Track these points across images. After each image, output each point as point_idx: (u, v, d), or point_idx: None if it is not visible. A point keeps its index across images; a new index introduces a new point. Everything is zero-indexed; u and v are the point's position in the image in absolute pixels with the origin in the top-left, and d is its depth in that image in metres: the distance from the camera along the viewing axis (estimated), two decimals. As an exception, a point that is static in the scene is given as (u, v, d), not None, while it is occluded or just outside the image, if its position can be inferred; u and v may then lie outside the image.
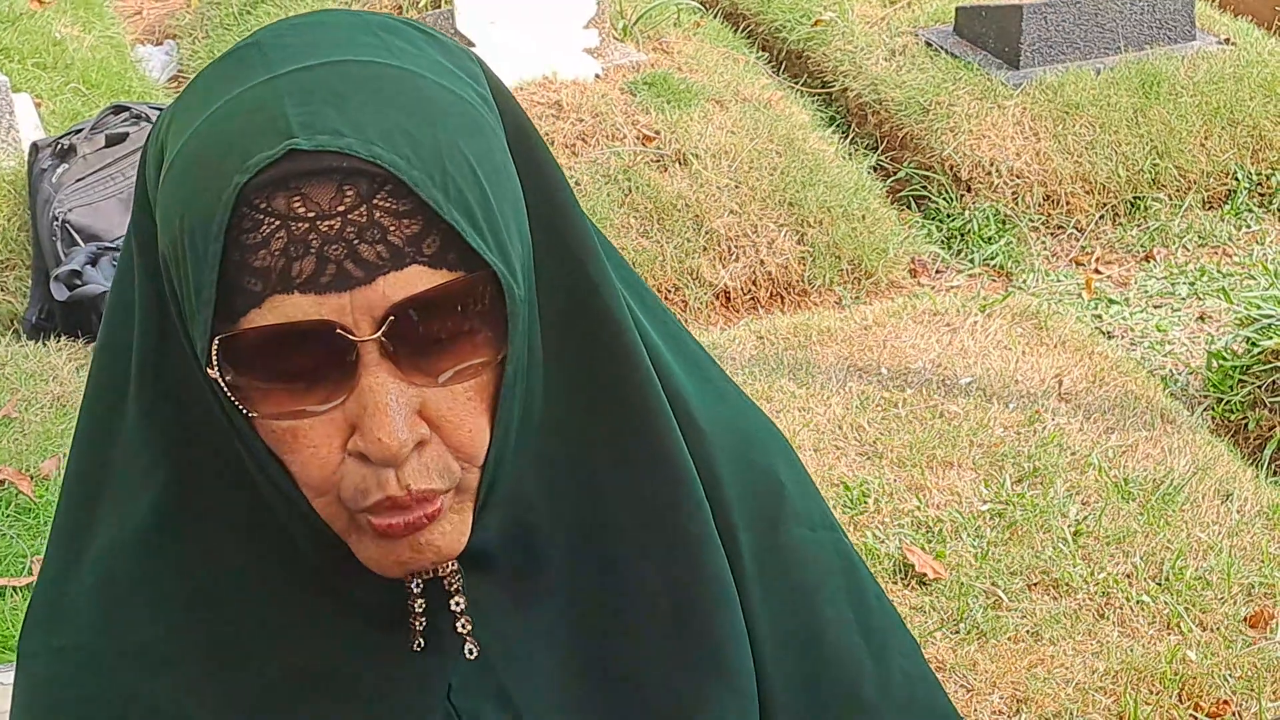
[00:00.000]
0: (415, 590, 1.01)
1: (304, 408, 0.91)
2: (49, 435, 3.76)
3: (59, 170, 4.78)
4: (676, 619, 1.06)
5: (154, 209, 0.96)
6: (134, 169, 4.79)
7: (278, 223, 0.87)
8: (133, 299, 0.99)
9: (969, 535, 3.57)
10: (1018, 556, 3.49)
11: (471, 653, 1.03)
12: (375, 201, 0.88)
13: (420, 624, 1.02)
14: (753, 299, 5.04)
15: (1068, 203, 5.40)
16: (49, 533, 1.07)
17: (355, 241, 0.88)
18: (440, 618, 1.02)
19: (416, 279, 0.89)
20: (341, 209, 0.88)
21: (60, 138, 4.94)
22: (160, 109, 5.10)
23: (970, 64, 5.74)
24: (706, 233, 5.04)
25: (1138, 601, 3.36)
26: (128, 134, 4.87)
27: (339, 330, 0.88)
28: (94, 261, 4.48)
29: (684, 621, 1.06)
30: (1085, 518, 3.60)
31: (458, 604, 1.02)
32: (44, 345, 4.32)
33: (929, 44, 5.95)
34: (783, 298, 5.08)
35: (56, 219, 4.64)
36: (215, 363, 0.90)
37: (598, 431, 1.04)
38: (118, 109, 5.04)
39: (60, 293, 4.40)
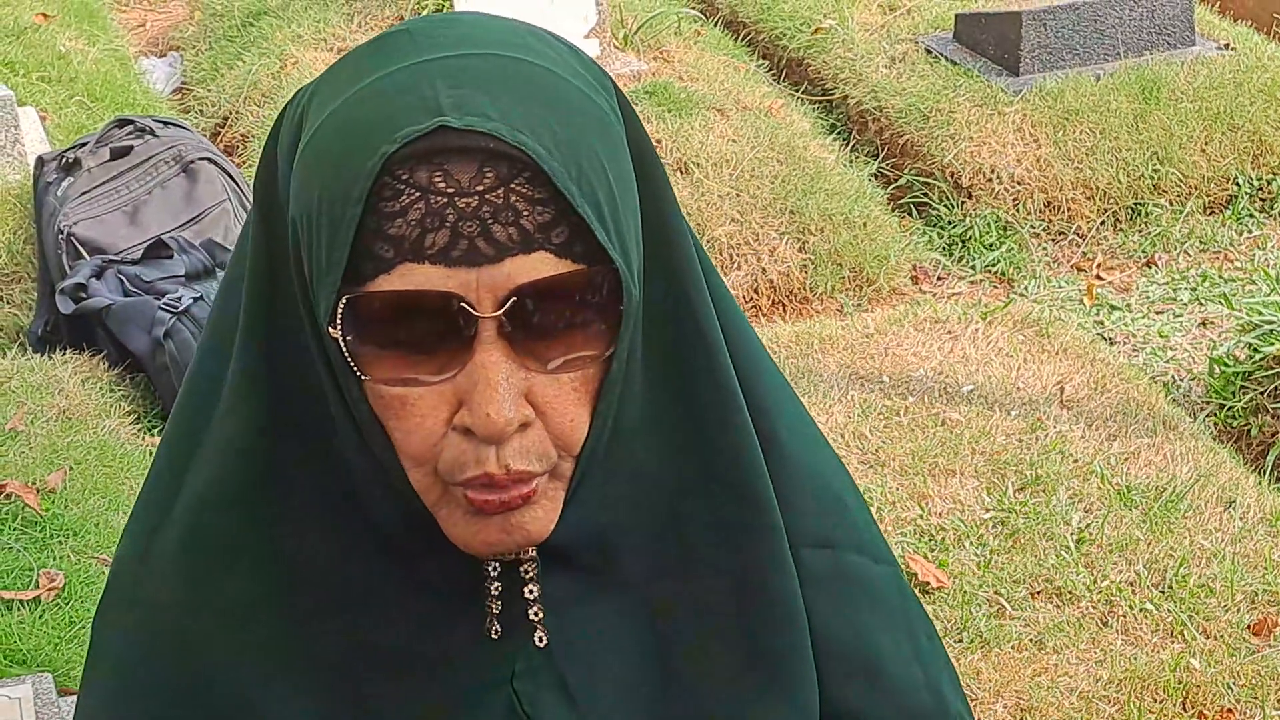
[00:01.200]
0: (492, 574, 1.04)
1: (417, 376, 0.94)
2: (55, 449, 3.78)
3: (64, 183, 4.80)
4: (741, 631, 1.09)
5: (279, 179, 0.99)
6: (139, 183, 4.80)
7: (417, 194, 0.91)
8: (242, 272, 1.03)
9: (972, 544, 3.58)
10: (1020, 565, 3.50)
11: (541, 640, 1.05)
12: (513, 185, 0.91)
13: (495, 607, 1.04)
14: (754, 307, 5.05)
15: (1069, 209, 5.41)
16: (140, 490, 1.10)
17: (489, 221, 0.91)
18: (513, 603, 1.05)
19: (542, 265, 0.92)
20: (480, 188, 0.91)
21: (65, 151, 4.96)
22: (165, 121, 5.11)
23: (970, 71, 5.75)
24: (708, 241, 5.06)
25: (1141, 609, 3.37)
26: (132, 147, 4.89)
27: (462, 304, 0.92)
28: (99, 274, 4.50)
29: (748, 634, 1.09)
30: (1088, 525, 3.61)
31: (531, 592, 1.04)
32: (49, 358, 4.33)
33: (929, 51, 5.97)
34: (784, 306, 5.09)
35: (62, 232, 4.65)
36: (338, 323, 0.94)
37: (684, 447, 1.06)
38: (122, 122, 5.05)
39: (65, 306, 4.41)
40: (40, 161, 4.96)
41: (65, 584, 3.25)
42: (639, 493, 1.06)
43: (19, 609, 3.19)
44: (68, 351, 4.40)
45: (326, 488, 1.03)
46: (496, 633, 1.04)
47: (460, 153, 0.91)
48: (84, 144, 4.97)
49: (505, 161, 0.91)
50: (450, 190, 0.90)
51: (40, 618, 3.16)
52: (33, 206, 4.92)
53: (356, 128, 0.93)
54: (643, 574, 1.08)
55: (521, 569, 1.04)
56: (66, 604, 3.20)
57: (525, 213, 0.91)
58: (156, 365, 4.24)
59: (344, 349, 0.94)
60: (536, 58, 0.97)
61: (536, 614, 1.05)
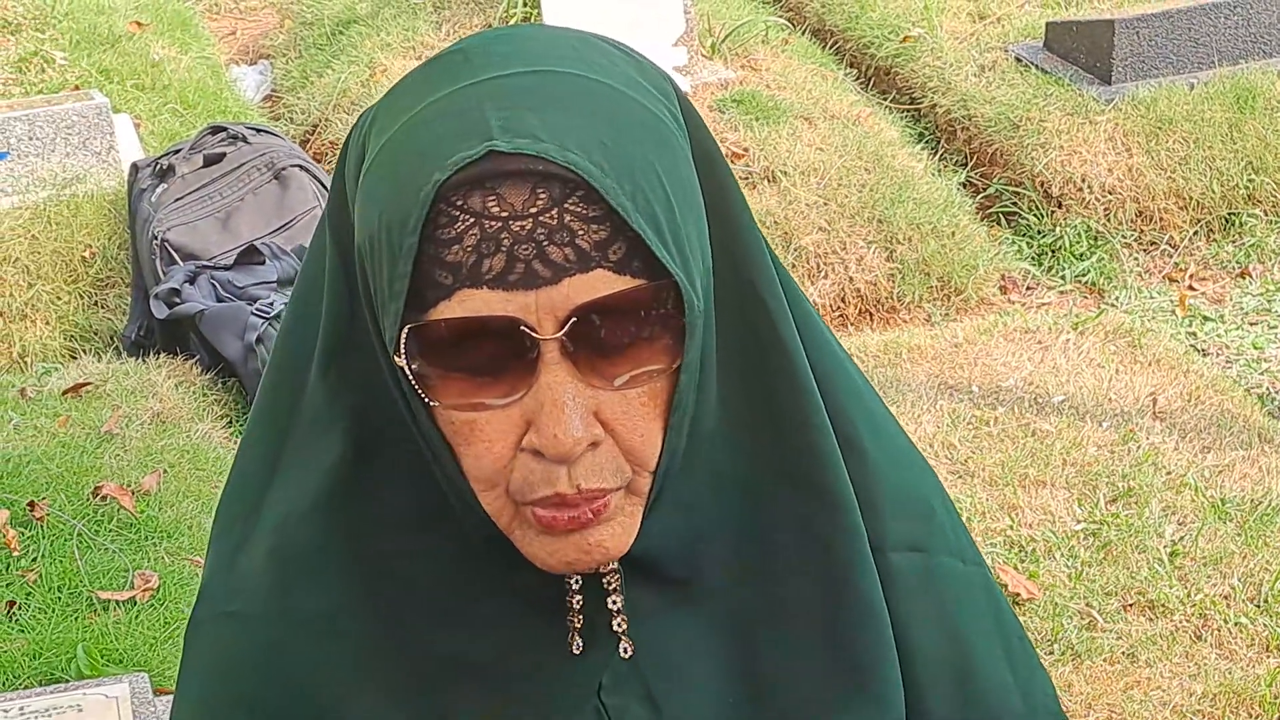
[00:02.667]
0: (574, 586, 1.04)
1: (483, 400, 0.95)
2: (149, 451, 3.82)
3: (158, 190, 4.86)
4: (827, 639, 1.08)
5: (352, 203, 1.00)
6: (231, 189, 4.86)
7: (472, 220, 0.91)
8: (322, 286, 1.03)
9: (1062, 555, 3.55)
10: (1112, 577, 3.46)
11: (626, 651, 1.05)
12: (566, 205, 0.91)
13: (578, 621, 1.04)
14: (841, 316, 5.03)
15: (1161, 219, 5.35)
16: (221, 498, 1.11)
17: (544, 243, 0.91)
18: (597, 615, 1.05)
19: (600, 283, 0.92)
20: (534, 210, 0.91)
21: (159, 158, 5.02)
22: (256, 129, 5.17)
23: (1061, 79, 5.71)
24: (795, 250, 5.05)
25: (1235, 623, 3.33)
26: (225, 154, 4.95)
27: (522, 327, 0.92)
28: (192, 280, 4.55)
29: (833, 640, 1.08)
30: (1181, 538, 3.57)
31: (614, 603, 1.04)
32: (144, 362, 4.39)
33: (1019, 59, 5.92)
34: (871, 315, 5.07)
35: (155, 238, 4.71)
36: (403, 351, 0.94)
37: (763, 450, 1.06)
38: (215, 129, 5.11)
39: (160, 310, 4.47)
40: (135, 168, 5.03)
41: (160, 585, 3.29)
42: (719, 498, 1.05)
43: (115, 609, 3.23)
44: (161, 356, 4.46)
45: (414, 502, 1.03)
46: (578, 648, 1.04)
47: (512, 176, 0.91)
48: (177, 151, 5.03)
49: (557, 182, 0.91)
50: (504, 214, 0.91)
51: (136, 618, 3.19)
52: (127, 213, 4.98)
53: (410, 155, 0.93)
54: (726, 581, 1.07)
55: (604, 580, 1.04)
56: (161, 605, 3.24)
57: (580, 232, 0.91)
58: (248, 370, 4.28)
59: (410, 376, 0.95)
60: (589, 70, 0.96)
61: (620, 625, 1.05)
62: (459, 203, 0.91)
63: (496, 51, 0.97)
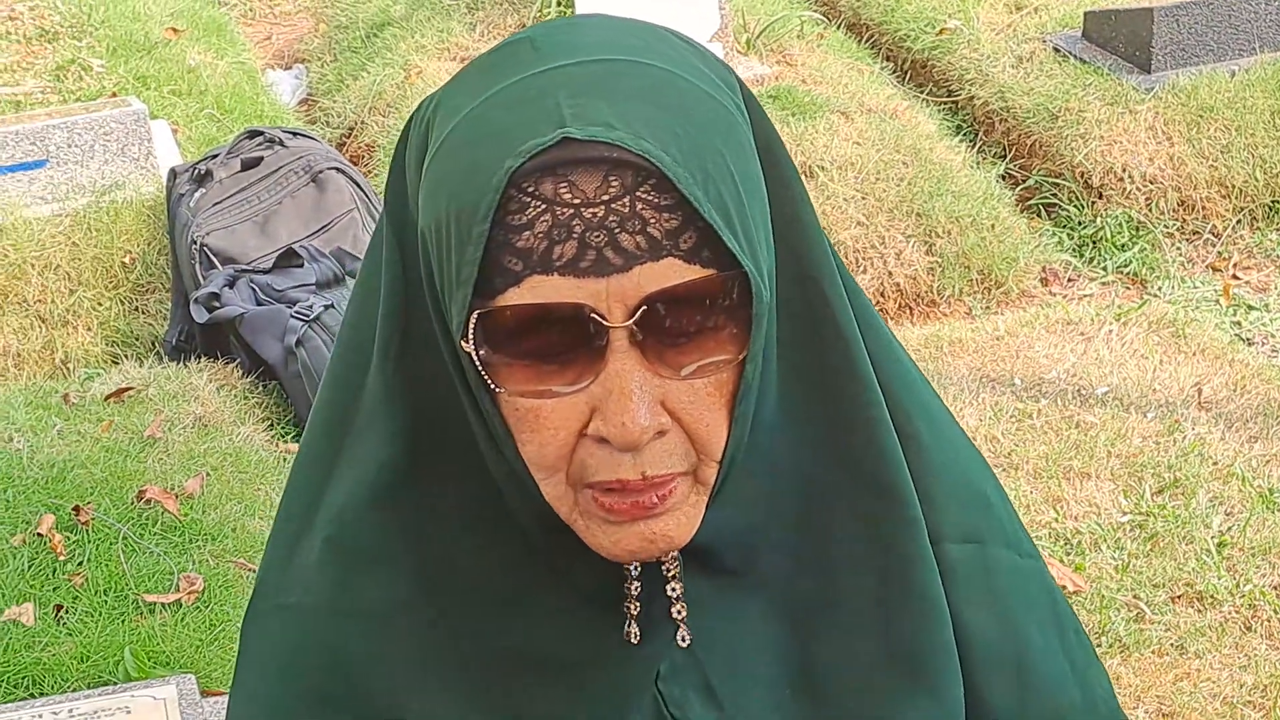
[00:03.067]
0: (633, 574, 1.03)
1: (550, 387, 0.94)
2: (192, 455, 3.84)
3: (196, 195, 4.88)
4: (884, 628, 1.08)
5: (409, 190, 1.00)
6: (269, 193, 4.87)
7: (544, 207, 0.91)
8: (381, 277, 1.03)
9: (1109, 547, 3.52)
10: (1160, 568, 3.44)
11: (684, 640, 1.05)
12: (638, 194, 0.91)
13: (635, 608, 1.04)
14: (881, 310, 5.01)
15: (1203, 208, 5.31)
16: (283, 492, 1.12)
17: (616, 230, 0.91)
18: (654, 604, 1.04)
19: (671, 272, 0.92)
20: (606, 198, 0.91)
21: (197, 163, 5.04)
22: (293, 132, 5.18)
23: (1100, 69, 5.67)
24: (834, 244, 5.03)
25: (1286, 613, 3.30)
26: (262, 157, 4.96)
27: (593, 314, 0.91)
28: (232, 284, 4.57)
29: (891, 631, 1.08)
30: (1229, 528, 3.54)
31: (674, 589, 1.04)
32: (185, 366, 4.41)
33: (1057, 50, 5.89)
34: (911, 309, 5.05)
35: (195, 242, 4.73)
36: (470, 337, 0.94)
37: (822, 442, 1.06)
38: (252, 133, 5.13)
39: (200, 315, 4.48)
40: (173, 174, 5.05)
41: (204, 587, 3.30)
42: (777, 490, 1.05)
43: (161, 612, 3.24)
44: (202, 360, 4.47)
45: (471, 494, 1.03)
46: (636, 637, 1.04)
47: (585, 163, 0.91)
48: (215, 155, 5.05)
49: (630, 169, 0.91)
50: (576, 201, 0.90)
51: (181, 620, 3.20)
52: (166, 218, 5.00)
53: (481, 141, 0.93)
54: (783, 572, 1.07)
55: (664, 568, 1.04)
56: (206, 607, 3.25)
57: (652, 220, 0.91)
58: (289, 373, 4.29)
59: (476, 362, 0.94)
60: (657, 60, 0.96)
61: (679, 613, 1.04)
62: (530, 189, 0.91)
63: (564, 40, 0.97)
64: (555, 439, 0.95)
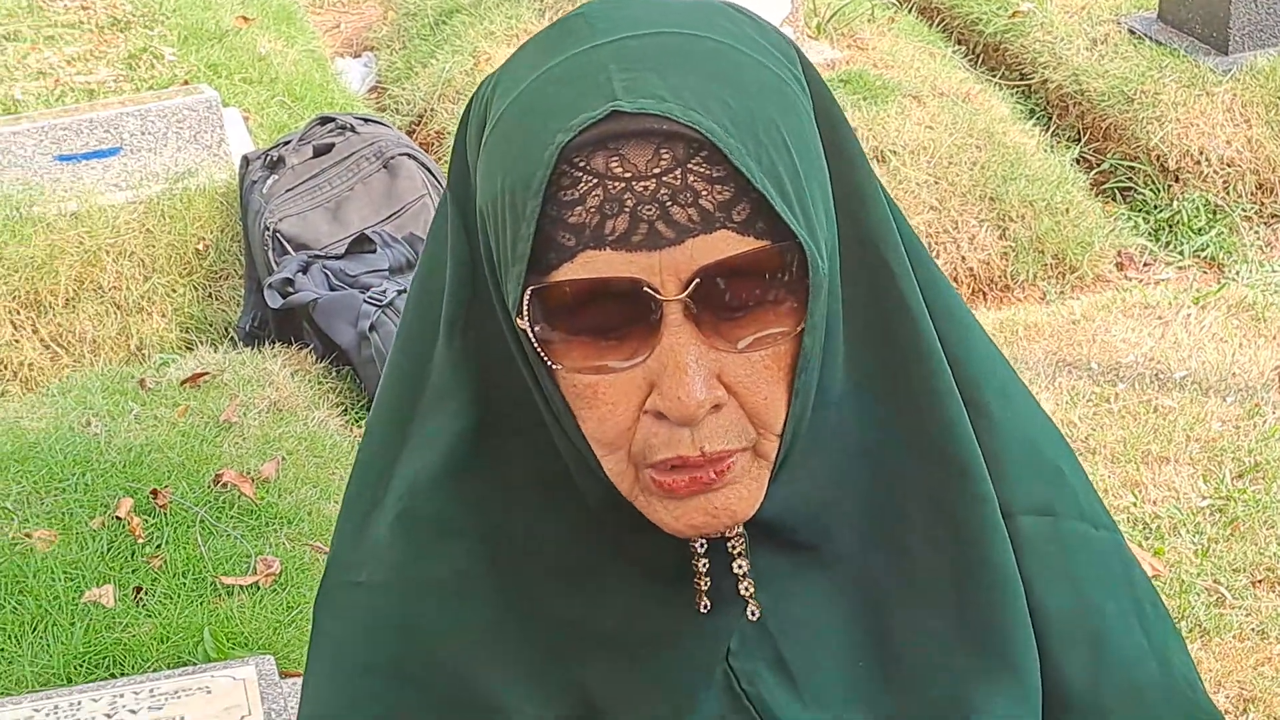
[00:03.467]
0: (699, 550, 1.03)
1: (606, 363, 0.94)
2: (267, 439, 3.86)
3: (269, 181, 4.90)
4: (958, 604, 1.06)
5: (469, 169, 1.00)
6: (340, 179, 4.89)
7: (595, 181, 0.90)
8: (446, 254, 1.03)
9: (1188, 532, 3.49)
10: (1240, 553, 3.40)
11: (754, 614, 1.04)
12: (690, 165, 0.90)
13: (704, 584, 1.03)
14: (954, 295, 4.97)
15: (1281, 191, 5.25)
16: (352, 469, 1.12)
17: (668, 203, 0.90)
18: (723, 579, 1.04)
19: (724, 244, 0.91)
20: (657, 171, 0.90)
21: (269, 150, 5.06)
22: (364, 119, 5.20)
23: (1176, 51, 5.61)
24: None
25: (1370, 598, 3.26)
26: (333, 144, 4.98)
27: (645, 288, 0.91)
28: (305, 269, 4.59)
29: (966, 607, 1.06)
30: (1312, 513, 3.50)
31: (740, 566, 1.03)
32: (259, 352, 4.44)
33: (1132, 32, 5.83)
34: (985, 294, 5.01)
35: (267, 229, 4.75)
36: (525, 314, 0.94)
37: (890, 416, 1.04)
38: (324, 120, 5.15)
39: (274, 300, 4.50)
40: (245, 161, 5.07)
41: (281, 570, 3.32)
42: (847, 464, 1.04)
43: (239, 594, 3.26)
44: (276, 345, 4.50)
45: (538, 469, 1.03)
46: (706, 607, 1.03)
47: (636, 136, 0.90)
48: (287, 142, 5.07)
49: (681, 142, 0.90)
50: (627, 174, 0.90)
51: (259, 602, 3.22)
52: (239, 205, 5.03)
53: (533, 117, 0.93)
54: (855, 547, 1.06)
55: (729, 544, 1.03)
56: (284, 589, 3.27)
57: (704, 192, 0.90)
58: (362, 358, 4.31)
59: (533, 339, 0.94)
60: (713, 32, 0.95)
61: (748, 589, 1.03)
62: (581, 164, 0.91)
63: (618, 15, 0.96)
64: (614, 414, 0.95)
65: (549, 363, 0.95)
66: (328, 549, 3.47)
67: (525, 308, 0.93)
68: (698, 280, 0.91)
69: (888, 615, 1.06)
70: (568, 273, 0.91)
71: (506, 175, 0.93)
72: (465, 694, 1.05)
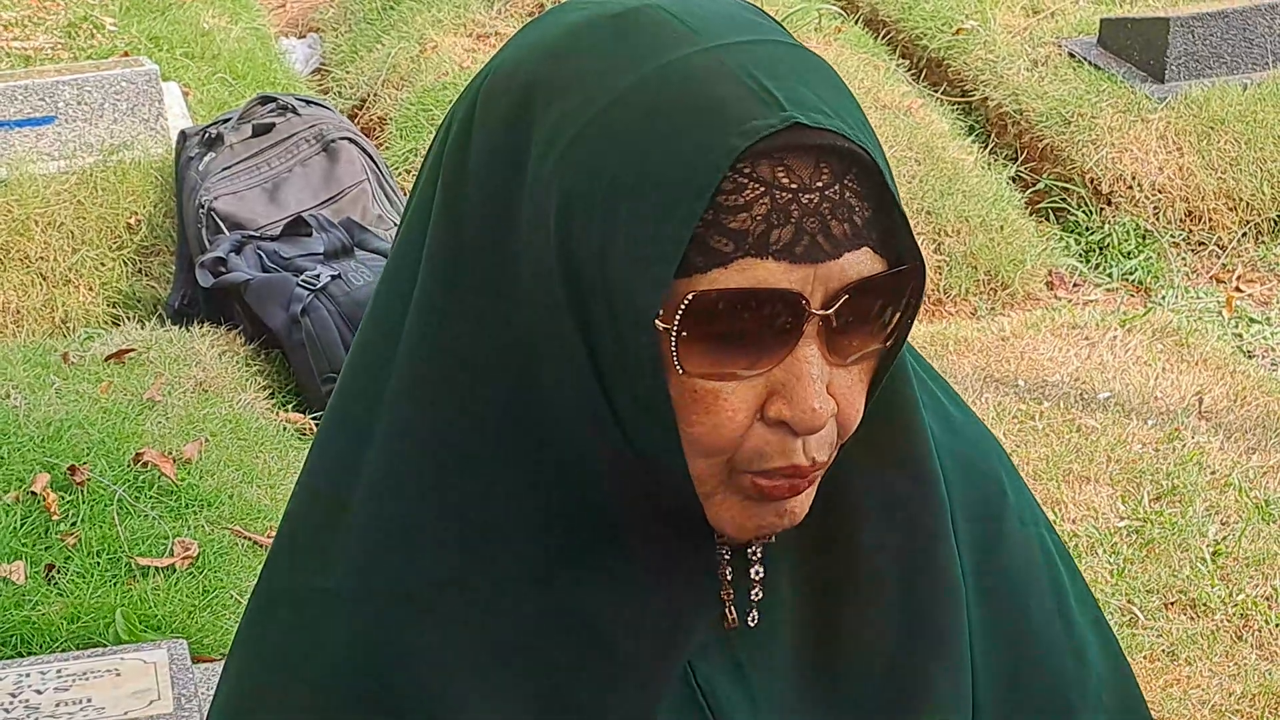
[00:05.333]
0: (725, 557, 1.04)
1: (734, 370, 0.94)
2: (192, 419, 3.82)
3: (206, 158, 4.86)
4: (909, 610, 1.08)
5: (478, 154, 0.97)
6: (279, 160, 4.85)
7: (762, 189, 0.91)
8: (419, 253, 1.00)
9: (1105, 551, 3.52)
10: (1154, 575, 3.44)
11: (753, 621, 1.05)
12: (846, 182, 0.92)
13: (730, 594, 1.04)
14: (886, 307, 5.00)
15: (1210, 219, 5.31)
16: (304, 466, 1.08)
17: (828, 217, 0.91)
18: (742, 586, 1.04)
19: (868, 260, 0.93)
20: (820, 184, 0.91)
21: (208, 126, 5.02)
22: (306, 100, 5.16)
23: (1114, 76, 5.66)
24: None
25: (1277, 624, 3.30)
26: (274, 124, 4.94)
27: (802, 301, 0.92)
28: (238, 249, 4.55)
29: (915, 613, 1.08)
30: (1224, 538, 3.54)
31: (757, 572, 1.04)
32: (187, 331, 4.40)
33: (1072, 55, 5.88)
34: (916, 306, 5.04)
35: (202, 206, 4.72)
36: (676, 319, 0.92)
37: (862, 424, 1.04)
38: (264, 99, 5.11)
39: (205, 279, 4.47)
40: (183, 136, 5.03)
41: (199, 553, 3.29)
42: None
43: (154, 576, 3.23)
44: (205, 325, 4.46)
45: (511, 473, 1.00)
46: (734, 620, 1.04)
47: (797, 149, 0.91)
48: (226, 120, 5.03)
49: (837, 157, 0.91)
50: (794, 186, 0.91)
51: (175, 585, 3.19)
52: (174, 181, 4.99)
53: (683, 112, 0.91)
54: (812, 551, 1.07)
55: (750, 551, 1.04)
56: (200, 573, 3.24)
57: (857, 208, 0.92)
58: (292, 341, 4.28)
59: (673, 341, 0.93)
60: (799, 44, 0.97)
61: (758, 595, 1.04)
62: (747, 170, 0.90)
63: (700, 13, 0.95)
64: (732, 421, 0.95)
65: (679, 367, 0.94)
66: (250, 534, 3.38)
67: (677, 311, 0.92)
68: (846, 295, 0.92)
69: (838, 617, 1.07)
70: (722, 279, 0.91)
71: (642, 168, 0.91)
72: (423, 702, 1.01)
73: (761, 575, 1.04)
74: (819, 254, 0.91)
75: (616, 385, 0.95)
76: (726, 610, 1.04)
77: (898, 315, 0.96)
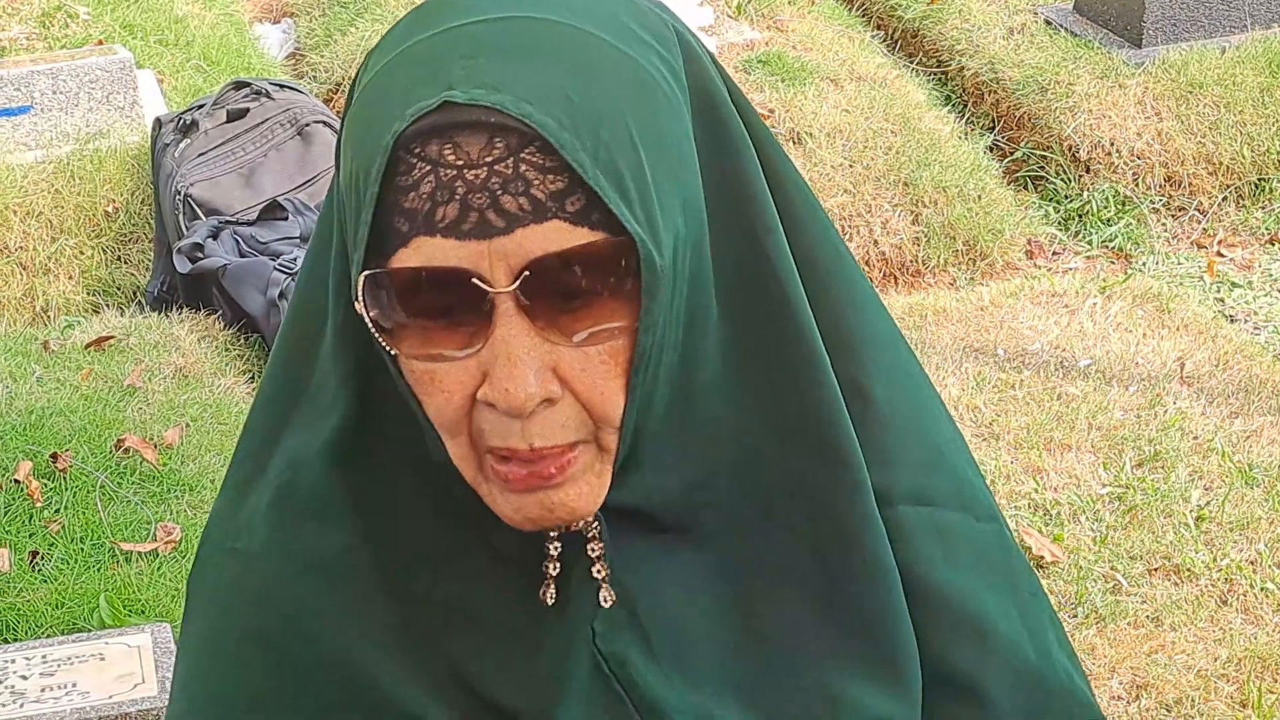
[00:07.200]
0: (552, 536, 1.03)
1: (441, 351, 0.94)
2: (172, 405, 3.82)
3: (181, 145, 4.85)
4: (826, 593, 1.06)
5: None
6: (254, 145, 4.84)
7: (428, 168, 0.90)
8: (331, 234, 1.03)
9: (1087, 518, 3.53)
10: (1138, 541, 3.45)
11: (605, 601, 1.03)
12: (522, 155, 0.90)
13: (554, 569, 1.03)
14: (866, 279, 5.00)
15: (1190, 184, 5.31)
16: (237, 440, 1.11)
17: (499, 192, 0.90)
18: (577, 564, 1.03)
19: (556, 235, 0.91)
20: (489, 160, 0.90)
21: (182, 113, 5.00)
22: (280, 84, 5.15)
23: (1091, 42, 5.66)
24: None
25: (1262, 589, 3.31)
26: (248, 109, 4.93)
27: (475, 279, 0.91)
28: (215, 235, 4.54)
29: (834, 596, 1.06)
30: (1208, 503, 3.55)
31: (594, 549, 1.03)
32: (166, 317, 4.39)
33: (1048, 22, 5.88)
34: (896, 278, 5.04)
35: (179, 193, 4.70)
36: (363, 299, 0.94)
37: (762, 402, 1.04)
38: (238, 85, 5.09)
39: (182, 265, 4.46)
40: (158, 123, 5.01)
41: (182, 537, 3.29)
42: (716, 451, 1.04)
43: (137, 560, 3.23)
44: (184, 311, 4.45)
45: (409, 453, 1.02)
46: (552, 598, 1.03)
47: (471, 126, 0.90)
48: (201, 106, 5.01)
49: (515, 133, 0.90)
50: (460, 163, 0.90)
51: (158, 569, 3.20)
52: (150, 168, 4.97)
53: (379, 101, 0.93)
54: (723, 532, 1.06)
55: (583, 531, 1.03)
56: (183, 557, 3.24)
57: (536, 181, 0.90)
58: (271, 325, 4.28)
59: (370, 325, 0.94)
60: (570, 16, 0.94)
61: (599, 573, 1.03)
62: (418, 150, 0.91)
63: None
64: (451, 402, 0.95)
65: (387, 349, 0.95)
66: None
67: (361, 293, 0.93)
68: (528, 272, 0.90)
69: (756, 602, 1.06)
70: (401, 259, 0.91)
71: (354, 159, 0.94)
72: (340, 668, 1.04)
73: (597, 553, 1.02)
74: (489, 230, 0.90)
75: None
76: (543, 592, 1.03)
77: (627, 291, 0.93)
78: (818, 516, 1.06)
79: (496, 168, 0.90)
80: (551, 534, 1.02)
